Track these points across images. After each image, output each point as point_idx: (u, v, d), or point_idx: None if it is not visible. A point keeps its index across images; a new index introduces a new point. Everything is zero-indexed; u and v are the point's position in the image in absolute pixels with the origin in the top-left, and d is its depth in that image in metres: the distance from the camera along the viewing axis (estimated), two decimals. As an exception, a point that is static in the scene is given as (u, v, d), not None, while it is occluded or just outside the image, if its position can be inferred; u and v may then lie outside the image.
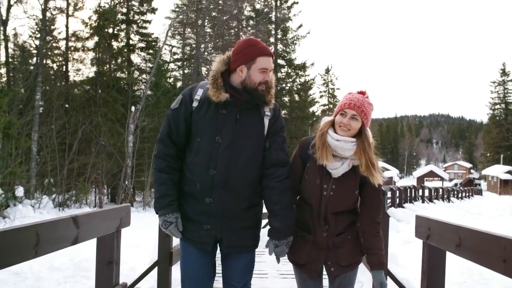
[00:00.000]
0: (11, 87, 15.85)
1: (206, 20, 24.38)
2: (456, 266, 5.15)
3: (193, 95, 2.18)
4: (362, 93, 2.19)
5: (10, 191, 11.50)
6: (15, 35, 20.08)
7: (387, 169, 57.94)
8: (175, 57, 27.35)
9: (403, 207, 16.45)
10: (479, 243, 1.98)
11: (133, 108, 18.39)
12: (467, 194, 32.99)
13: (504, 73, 57.67)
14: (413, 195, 19.95)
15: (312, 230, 2.20)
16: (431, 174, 68.91)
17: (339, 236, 2.17)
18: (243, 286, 2.27)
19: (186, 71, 26.81)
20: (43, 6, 18.29)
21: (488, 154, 58.77)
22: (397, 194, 16.58)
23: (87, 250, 5.76)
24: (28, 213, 11.51)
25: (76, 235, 2.20)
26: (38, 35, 20.14)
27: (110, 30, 21.23)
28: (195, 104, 2.16)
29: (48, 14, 19.27)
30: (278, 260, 2.25)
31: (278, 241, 2.17)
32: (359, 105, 2.10)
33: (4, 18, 16.96)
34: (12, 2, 17.80)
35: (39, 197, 13.82)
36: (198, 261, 2.20)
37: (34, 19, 19.90)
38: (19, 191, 11.86)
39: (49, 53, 20.85)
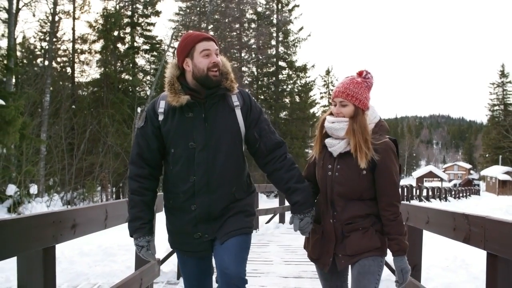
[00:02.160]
0: (22, 89, 16.43)
1: (209, 23, 24.98)
2: (441, 253, 5.74)
3: (156, 108, 2.12)
4: (360, 73, 2.17)
5: (25, 188, 12.11)
6: (24, 38, 20.72)
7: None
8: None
9: (400, 205, 16.96)
10: (439, 218, 2.58)
11: (139, 109, 18.96)
12: (465, 194, 33.60)
13: (503, 74, 57.99)
14: (410, 194, 20.54)
15: (322, 219, 2.18)
16: (431, 175, 69.51)
17: (348, 226, 2.11)
18: (236, 273, 2.04)
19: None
20: (52, 10, 18.91)
21: (487, 155, 59.21)
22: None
23: (111, 239, 6.38)
24: (42, 209, 12.10)
25: (129, 215, 2.79)
26: (45, 37, 20.77)
27: (116, 33, 21.83)
28: (160, 117, 2.09)
29: (56, 17, 19.86)
30: (306, 234, 2.20)
31: (303, 214, 2.12)
32: (343, 90, 2.11)
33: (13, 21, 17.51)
34: (20, 6, 18.41)
35: (51, 194, 14.43)
36: (196, 267, 2.21)
37: (40, 22, 20.52)
38: (34, 189, 12.47)
39: (55, 54, 21.41)
